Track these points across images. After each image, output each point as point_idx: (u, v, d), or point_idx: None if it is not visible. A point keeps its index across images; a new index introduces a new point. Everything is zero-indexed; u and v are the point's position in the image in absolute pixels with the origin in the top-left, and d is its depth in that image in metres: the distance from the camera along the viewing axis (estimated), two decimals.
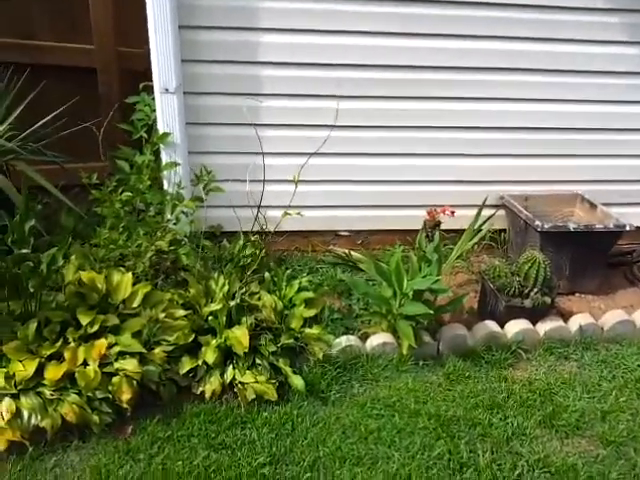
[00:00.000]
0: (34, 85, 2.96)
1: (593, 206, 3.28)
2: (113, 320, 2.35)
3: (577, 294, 3.18)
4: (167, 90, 2.84)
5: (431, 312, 2.41)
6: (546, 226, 2.95)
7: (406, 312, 2.49)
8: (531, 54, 3.12)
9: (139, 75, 3.03)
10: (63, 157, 2.95)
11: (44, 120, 2.88)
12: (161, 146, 2.96)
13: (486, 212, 3.22)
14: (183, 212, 2.77)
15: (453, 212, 2.50)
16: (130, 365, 2.22)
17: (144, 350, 2.29)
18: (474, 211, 3.20)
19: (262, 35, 2.92)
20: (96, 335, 2.30)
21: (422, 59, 3.07)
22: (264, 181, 2.81)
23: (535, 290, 2.72)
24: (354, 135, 3.17)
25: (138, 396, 2.25)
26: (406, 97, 3.14)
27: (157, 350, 2.35)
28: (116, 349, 2.26)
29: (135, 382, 2.21)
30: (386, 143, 3.22)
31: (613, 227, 3.03)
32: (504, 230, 3.41)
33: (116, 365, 2.22)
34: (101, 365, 2.21)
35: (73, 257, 2.60)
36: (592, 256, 3.08)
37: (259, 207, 2.67)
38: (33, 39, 3.22)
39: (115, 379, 2.19)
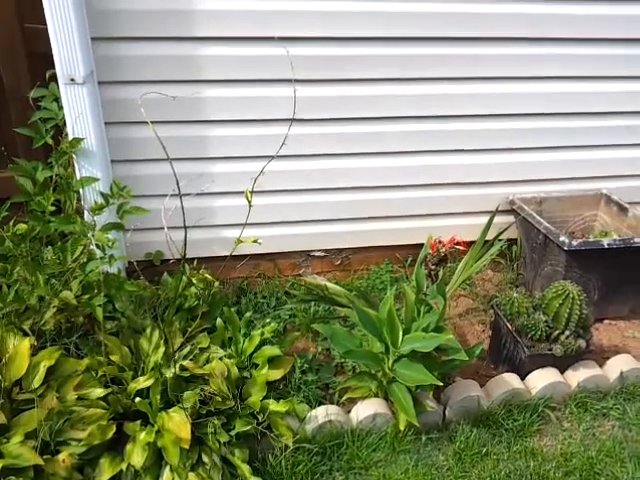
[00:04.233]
0: None
1: (622, 209, 2.66)
2: None
3: (606, 321, 2.59)
4: (73, 80, 2.10)
5: (440, 383, 1.78)
6: (574, 243, 2.31)
7: (403, 380, 1.86)
8: None
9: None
10: None
11: None
12: (73, 156, 2.24)
13: (495, 220, 2.55)
14: (96, 246, 2.05)
15: (465, 242, 1.86)
16: None
17: (41, 461, 1.63)
18: (479, 220, 2.57)
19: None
20: None
21: None
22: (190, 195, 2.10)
23: (567, 333, 2.10)
24: (323, 131, 2.45)
25: None
26: (381, 79, 2.40)
27: (62, 456, 1.69)
28: None
29: None
30: (362, 140, 2.50)
31: None
32: (515, 240, 2.75)
33: None
34: None
35: None
36: (626, 275, 2.47)
37: (185, 228, 1.92)
38: None
39: None
